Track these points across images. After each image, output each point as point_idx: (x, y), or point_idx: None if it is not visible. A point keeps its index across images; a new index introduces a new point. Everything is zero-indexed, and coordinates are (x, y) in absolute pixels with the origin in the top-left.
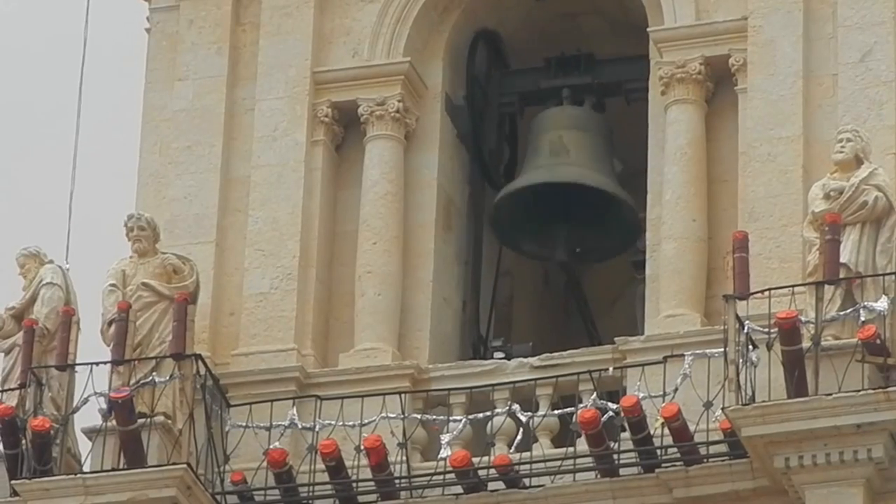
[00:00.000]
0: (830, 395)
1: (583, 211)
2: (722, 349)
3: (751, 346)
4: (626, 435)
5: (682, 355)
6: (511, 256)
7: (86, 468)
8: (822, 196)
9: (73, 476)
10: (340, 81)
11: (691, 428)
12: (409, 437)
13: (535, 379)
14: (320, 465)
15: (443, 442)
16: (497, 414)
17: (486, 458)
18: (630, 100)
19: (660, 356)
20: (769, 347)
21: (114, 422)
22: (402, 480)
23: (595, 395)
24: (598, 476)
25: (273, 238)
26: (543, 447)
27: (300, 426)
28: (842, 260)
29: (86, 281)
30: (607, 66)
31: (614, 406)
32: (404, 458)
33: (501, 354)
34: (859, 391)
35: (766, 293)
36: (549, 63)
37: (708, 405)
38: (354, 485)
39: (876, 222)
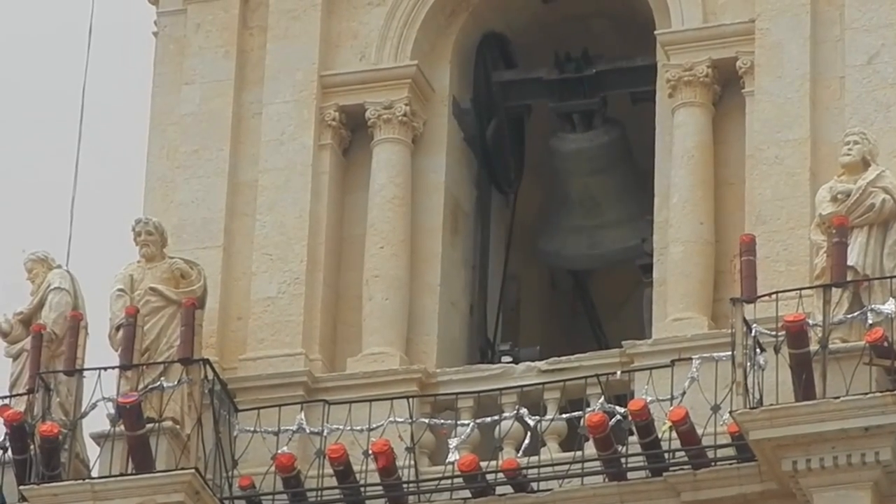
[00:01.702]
0: (838, 398)
1: None
2: (729, 352)
3: (758, 350)
4: (633, 438)
5: (690, 359)
6: (518, 260)
7: (94, 473)
8: (830, 199)
9: (81, 481)
10: (348, 85)
11: (699, 431)
12: (416, 442)
13: (543, 383)
14: (328, 470)
15: (451, 446)
16: (505, 418)
17: (493, 463)
18: (636, 100)
19: (667, 360)
20: (777, 350)
21: (122, 427)
22: (410, 485)
23: (603, 398)
24: (606, 480)
25: (280, 242)
26: (551, 451)
27: (308, 431)
28: (849, 262)
29: (89, 284)
30: (615, 73)
31: (622, 410)
32: (412, 462)
33: (509, 358)
34: (867, 394)
35: (774, 296)
36: (555, 70)
37: (715, 408)
38: (362, 489)
39: (883, 225)
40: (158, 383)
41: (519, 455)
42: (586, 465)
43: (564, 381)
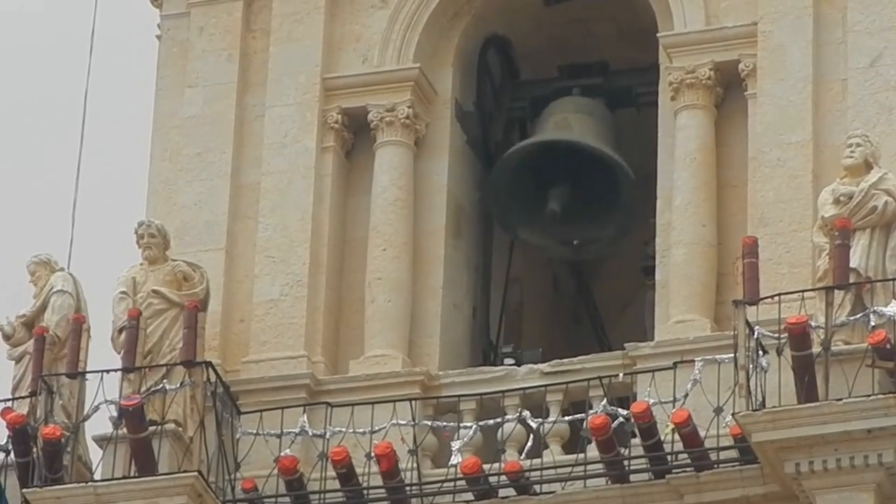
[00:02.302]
0: (841, 400)
1: (582, 192)
2: (732, 355)
3: (761, 352)
4: (636, 441)
5: (693, 361)
6: (521, 263)
7: (97, 476)
8: (832, 201)
9: (84, 484)
10: (350, 87)
11: (702, 434)
12: (419, 444)
13: (546, 385)
14: (331, 473)
15: (453, 449)
16: (507, 420)
17: (496, 465)
18: (640, 106)
19: (670, 362)
20: (779, 353)
21: (124, 429)
22: (413, 487)
23: (605, 401)
24: (609, 482)
25: (283, 245)
26: (554, 453)
27: (311, 433)
28: (851, 265)
29: (91, 287)
30: (618, 75)
31: (624, 412)
32: (415, 464)
33: (511, 361)
34: (869, 396)
35: (776, 298)
36: (560, 70)
37: (718, 411)
38: (365, 492)
39: (885, 227)
40: (161, 386)
41: (521, 457)
42: (589, 467)
43: (567, 383)
